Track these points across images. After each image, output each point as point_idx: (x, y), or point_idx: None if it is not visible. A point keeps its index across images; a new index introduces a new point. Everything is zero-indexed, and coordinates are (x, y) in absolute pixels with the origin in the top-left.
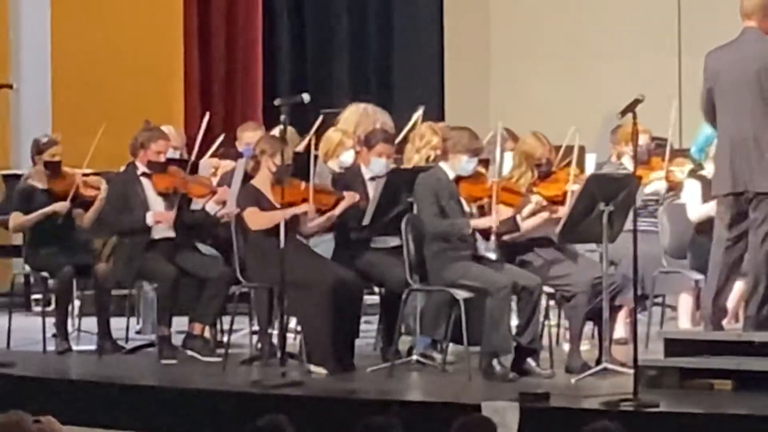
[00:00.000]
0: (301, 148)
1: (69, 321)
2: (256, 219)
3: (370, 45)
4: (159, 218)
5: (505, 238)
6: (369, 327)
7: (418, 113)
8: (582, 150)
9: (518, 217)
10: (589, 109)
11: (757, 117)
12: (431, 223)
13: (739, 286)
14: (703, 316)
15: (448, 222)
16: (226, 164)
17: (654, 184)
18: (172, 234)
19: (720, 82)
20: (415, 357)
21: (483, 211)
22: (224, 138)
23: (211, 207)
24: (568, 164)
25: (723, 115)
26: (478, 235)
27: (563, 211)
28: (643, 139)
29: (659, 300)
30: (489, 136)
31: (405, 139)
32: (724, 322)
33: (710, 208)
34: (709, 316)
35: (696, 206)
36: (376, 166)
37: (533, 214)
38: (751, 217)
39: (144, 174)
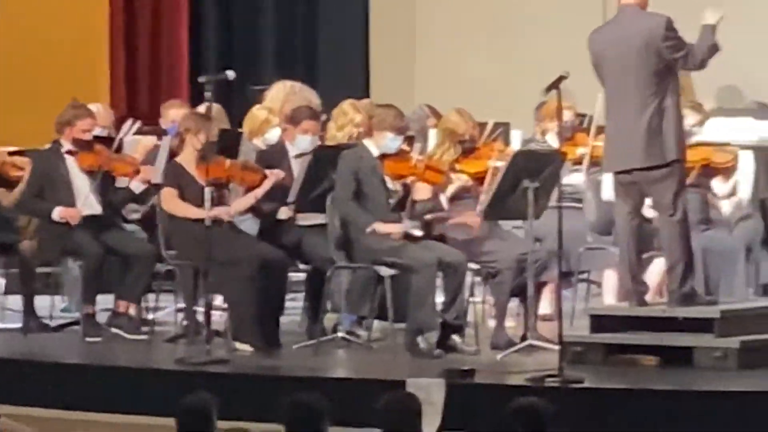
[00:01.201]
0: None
1: None
2: (172, 203)
3: (296, 23)
4: (65, 215)
5: (429, 217)
6: (294, 304)
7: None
8: (507, 127)
9: (442, 196)
10: (514, 85)
11: (643, 94)
12: (340, 204)
13: (661, 262)
14: (624, 292)
15: (354, 212)
16: (150, 142)
17: (572, 176)
18: (97, 211)
19: (605, 62)
20: (340, 334)
21: (407, 189)
22: (149, 115)
23: (136, 185)
24: (493, 141)
25: (610, 93)
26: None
27: (486, 188)
28: (567, 116)
29: (584, 276)
30: (411, 113)
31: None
32: (649, 298)
33: None
34: (630, 292)
35: (610, 186)
36: (301, 143)
37: (457, 193)
38: (647, 192)
39: (69, 152)
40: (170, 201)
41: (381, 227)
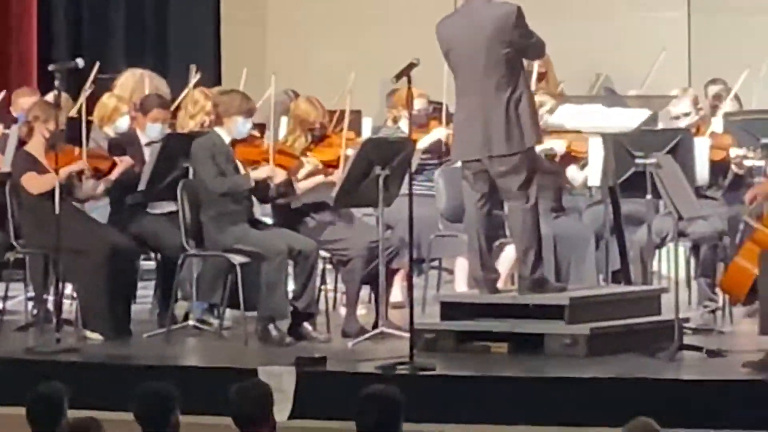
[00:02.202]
0: (74, 113)
1: None
2: (36, 183)
3: (146, 10)
4: None
5: (281, 201)
6: (146, 293)
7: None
8: (358, 114)
9: (294, 180)
10: (366, 73)
11: (496, 82)
12: (213, 183)
13: (512, 249)
14: (475, 279)
15: (230, 179)
16: None
17: (433, 133)
18: None
19: (454, 51)
20: (191, 322)
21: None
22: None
23: None
24: (344, 129)
25: (459, 81)
26: (255, 200)
27: (338, 175)
28: (420, 103)
29: (436, 263)
30: (262, 101)
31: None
32: (500, 285)
33: None
34: (481, 279)
35: None
36: (151, 131)
37: (309, 176)
38: (497, 180)
39: None
40: (33, 180)
41: (257, 173)
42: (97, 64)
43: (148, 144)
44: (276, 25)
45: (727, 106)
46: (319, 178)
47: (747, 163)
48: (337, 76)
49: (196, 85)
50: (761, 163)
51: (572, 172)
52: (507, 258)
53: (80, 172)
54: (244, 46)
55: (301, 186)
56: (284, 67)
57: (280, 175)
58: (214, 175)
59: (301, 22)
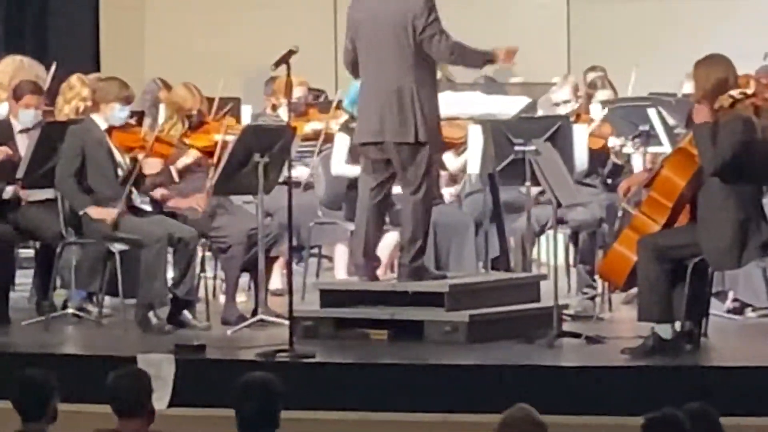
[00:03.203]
0: None
1: None
2: None
3: None
4: None
5: (163, 191)
6: (24, 281)
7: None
8: (237, 102)
9: (173, 169)
10: (245, 59)
11: (401, 67)
12: (60, 181)
13: (393, 237)
14: (356, 266)
15: (71, 191)
16: None
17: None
18: None
19: (362, 33)
20: (70, 310)
21: (136, 162)
22: None
23: None
24: (223, 116)
25: (367, 64)
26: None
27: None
28: (300, 91)
29: (315, 251)
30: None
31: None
32: (380, 273)
33: (349, 170)
34: (362, 267)
35: (340, 161)
36: (25, 117)
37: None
38: (396, 168)
39: None
40: None
41: (94, 211)
42: None
43: (21, 132)
44: (153, 11)
45: (603, 94)
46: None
47: (625, 152)
48: (217, 63)
49: (73, 72)
50: (639, 151)
51: (448, 159)
52: (387, 245)
53: None
54: (122, 32)
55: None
56: (162, 54)
57: (152, 166)
58: (67, 172)
59: (178, 8)
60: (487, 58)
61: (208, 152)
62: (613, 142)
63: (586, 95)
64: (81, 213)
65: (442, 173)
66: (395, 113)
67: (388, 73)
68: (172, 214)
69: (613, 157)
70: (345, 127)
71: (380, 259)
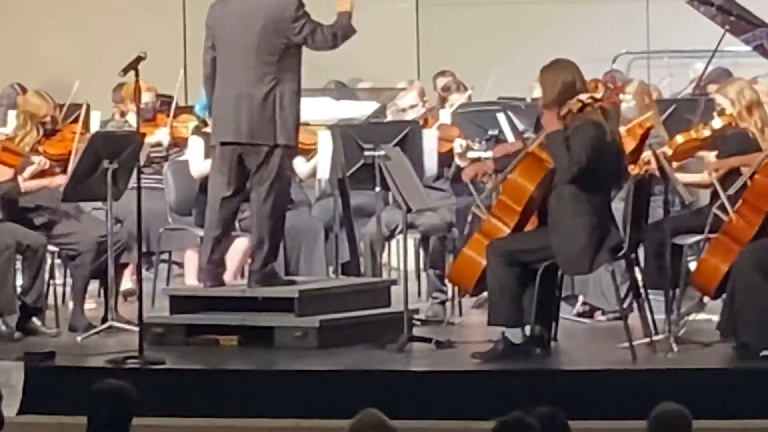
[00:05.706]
0: None
1: None
2: None
3: None
4: None
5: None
6: None
7: None
8: (88, 107)
9: (20, 178)
10: (94, 66)
11: (261, 71)
12: None
13: (243, 242)
14: (201, 270)
15: None
16: None
17: (157, 134)
18: None
19: (223, 34)
20: None
21: None
22: None
23: None
24: (74, 122)
25: (226, 66)
26: None
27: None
28: (148, 97)
29: (165, 257)
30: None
31: None
32: (230, 278)
33: (209, 169)
34: (206, 271)
35: (198, 163)
36: None
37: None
38: (250, 170)
39: None
40: None
41: None
42: None
43: None
44: (4, 17)
45: (457, 98)
46: (45, 181)
47: (472, 154)
48: (66, 69)
49: None
50: (487, 154)
51: (298, 164)
52: (237, 250)
53: None
54: None
55: (26, 185)
56: (10, 60)
57: (4, 174)
58: None
59: (28, 14)
60: (350, 18)
61: (61, 159)
62: (459, 143)
63: (440, 99)
64: None
65: None
66: (255, 114)
67: (249, 74)
68: (21, 221)
69: (457, 159)
70: (197, 131)
71: (226, 264)
